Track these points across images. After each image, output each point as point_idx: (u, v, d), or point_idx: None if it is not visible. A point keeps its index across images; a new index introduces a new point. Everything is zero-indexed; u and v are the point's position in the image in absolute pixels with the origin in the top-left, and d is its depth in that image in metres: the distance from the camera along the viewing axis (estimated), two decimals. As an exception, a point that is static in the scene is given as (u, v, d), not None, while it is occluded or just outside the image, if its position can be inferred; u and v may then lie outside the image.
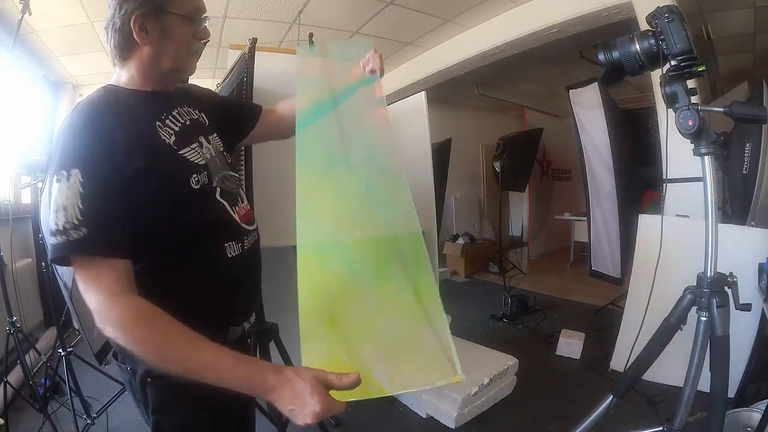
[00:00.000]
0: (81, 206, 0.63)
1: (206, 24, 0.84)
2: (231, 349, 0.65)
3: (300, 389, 0.60)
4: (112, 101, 0.76)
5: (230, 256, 0.82)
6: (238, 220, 0.86)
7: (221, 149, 0.92)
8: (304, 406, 0.59)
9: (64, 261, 0.66)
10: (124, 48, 0.78)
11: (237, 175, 0.94)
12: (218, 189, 0.84)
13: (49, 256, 0.66)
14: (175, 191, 0.76)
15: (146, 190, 0.70)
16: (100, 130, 0.69)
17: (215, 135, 0.92)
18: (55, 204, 0.64)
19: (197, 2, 0.82)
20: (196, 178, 0.79)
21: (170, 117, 0.81)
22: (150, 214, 0.71)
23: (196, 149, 0.83)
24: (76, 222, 0.63)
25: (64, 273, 1.80)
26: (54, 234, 0.64)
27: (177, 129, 0.81)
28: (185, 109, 0.87)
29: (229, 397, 0.84)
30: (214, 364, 0.62)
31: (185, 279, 0.78)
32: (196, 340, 0.64)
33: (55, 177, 0.65)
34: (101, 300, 0.64)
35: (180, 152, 0.79)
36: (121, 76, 0.81)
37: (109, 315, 0.64)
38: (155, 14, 0.75)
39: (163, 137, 0.77)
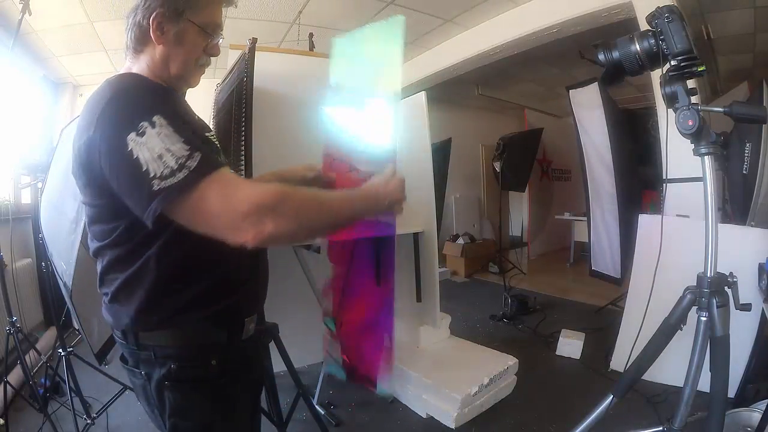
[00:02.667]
0: (182, 138, 0.64)
1: (219, 42, 0.86)
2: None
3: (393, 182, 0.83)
4: (150, 81, 0.79)
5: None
6: None
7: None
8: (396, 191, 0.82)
9: (186, 200, 0.63)
10: (140, 41, 0.80)
11: None
12: None
13: (170, 198, 0.62)
14: None
15: None
16: (154, 86, 0.74)
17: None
18: (151, 153, 0.62)
19: (216, 18, 0.83)
20: (219, 159, 0.81)
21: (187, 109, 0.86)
22: None
23: (214, 137, 0.88)
24: (187, 153, 0.63)
25: (64, 273, 1.80)
26: (166, 177, 0.62)
27: (195, 118, 0.85)
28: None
29: (242, 398, 0.86)
30: (348, 198, 0.79)
31: (202, 265, 0.77)
32: (327, 191, 0.79)
33: (134, 133, 0.63)
34: (265, 191, 0.66)
35: (205, 133, 0.83)
36: (132, 69, 0.82)
37: (287, 198, 0.67)
38: (174, 17, 0.77)
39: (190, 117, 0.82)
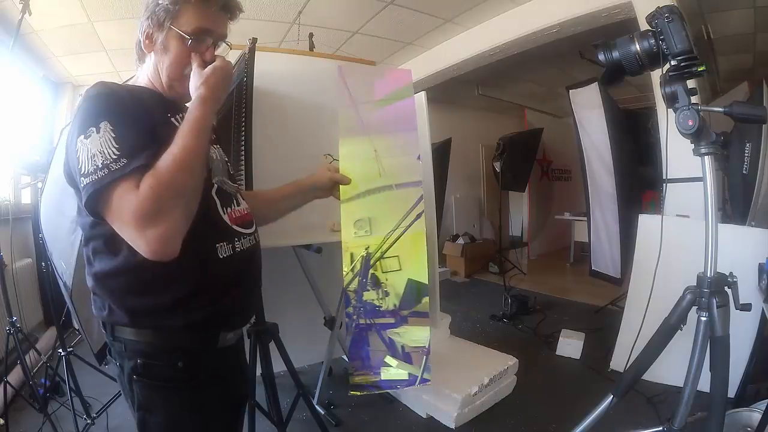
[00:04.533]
0: (116, 145, 0.67)
1: (209, 44, 0.83)
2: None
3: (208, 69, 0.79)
4: (125, 87, 0.82)
5: (221, 256, 0.81)
6: (228, 221, 0.85)
7: (225, 159, 0.94)
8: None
9: (101, 197, 0.67)
10: (139, 55, 0.87)
11: (236, 185, 0.95)
12: (215, 186, 0.85)
13: (88, 192, 0.66)
14: None
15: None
16: (121, 94, 0.75)
17: (220, 148, 0.95)
18: (88, 153, 0.67)
19: (200, 22, 0.81)
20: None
21: (178, 116, 0.83)
22: None
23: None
24: (115, 157, 0.66)
25: (64, 273, 1.79)
26: (91, 173, 0.66)
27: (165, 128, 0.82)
28: None
29: (218, 397, 0.85)
30: (182, 129, 0.73)
31: (174, 272, 0.75)
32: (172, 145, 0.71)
33: (83, 136, 0.68)
34: (138, 198, 0.64)
35: None
36: (138, 77, 0.88)
37: (161, 190, 0.65)
38: (158, 27, 0.82)
39: (175, 124, 0.80)
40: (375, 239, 0.97)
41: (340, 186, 0.99)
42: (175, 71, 0.83)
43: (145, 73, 0.87)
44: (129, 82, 0.90)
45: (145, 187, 0.65)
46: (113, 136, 0.68)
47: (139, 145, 0.69)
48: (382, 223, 0.98)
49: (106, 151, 0.66)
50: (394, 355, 0.94)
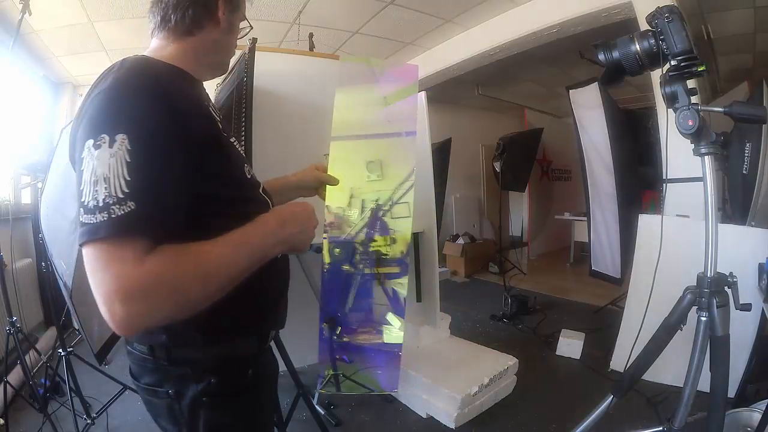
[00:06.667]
0: (127, 177, 0.52)
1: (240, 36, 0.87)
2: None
3: (303, 207, 0.74)
4: (171, 69, 0.68)
5: (278, 256, 0.77)
6: None
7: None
8: (309, 219, 0.73)
9: (89, 245, 0.52)
10: (195, 24, 0.72)
11: None
12: (260, 184, 0.82)
13: (83, 238, 0.51)
14: (237, 175, 0.71)
15: (211, 169, 0.63)
16: (159, 92, 0.58)
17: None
18: (92, 175, 0.52)
19: (244, 10, 0.87)
20: (248, 168, 0.77)
21: (212, 104, 0.77)
22: (215, 201, 0.65)
23: (236, 142, 0.80)
24: (121, 195, 0.51)
25: (64, 273, 1.79)
26: (90, 210, 0.51)
27: (220, 118, 0.75)
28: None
29: (272, 396, 0.89)
30: (240, 245, 0.62)
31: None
32: (216, 243, 0.59)
33: (92, 141, 0.53)
34: (132, 275, 0.50)
35: (230, 139, 0.75)
36: (168, 49, 0.72)
37: (158, 282, 0.52)
38: (233, 8, 0.79)
39: (216, 119, 0.72)
40: (386, 184, 0.98)
41: (327, 187, 1.00)
42: (231, 53, 0.84)
43: (187, 48, 0.73)
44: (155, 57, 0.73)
45: (150, 268, 0.51)
46: (127, 160, 0.52)
47: (158, 186, 0.54)
48: (394, 169, 0.98)
49: (113, 180, 0.51)
50: (396, 311, 0.95)
